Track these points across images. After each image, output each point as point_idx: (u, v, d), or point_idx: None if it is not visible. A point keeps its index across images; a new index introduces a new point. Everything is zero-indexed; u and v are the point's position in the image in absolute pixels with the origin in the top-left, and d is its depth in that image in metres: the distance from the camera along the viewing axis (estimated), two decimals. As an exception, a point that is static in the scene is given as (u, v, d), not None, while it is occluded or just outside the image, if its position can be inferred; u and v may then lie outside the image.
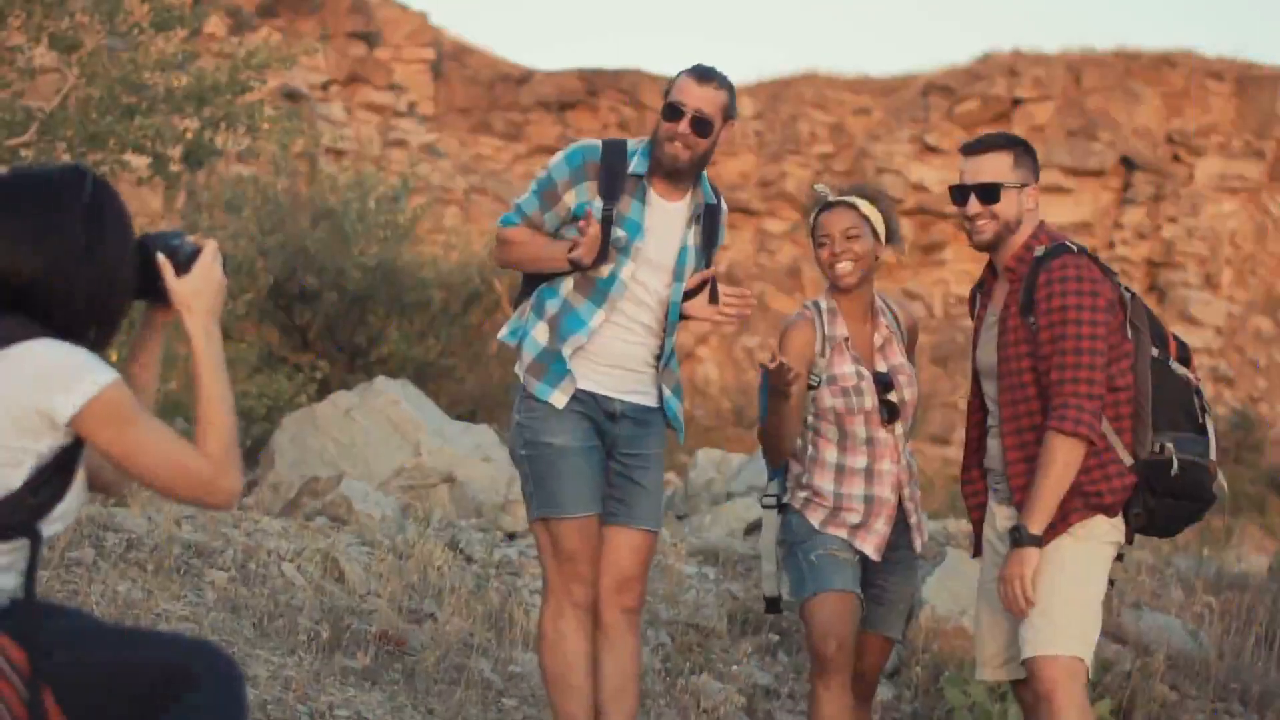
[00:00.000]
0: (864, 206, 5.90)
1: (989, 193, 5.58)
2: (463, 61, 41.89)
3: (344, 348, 17.56)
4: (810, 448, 5.94)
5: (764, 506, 6.11)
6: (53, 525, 3.45)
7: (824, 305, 5.94)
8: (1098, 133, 40.54)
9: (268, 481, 10.81)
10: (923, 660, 8.28)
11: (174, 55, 11.65)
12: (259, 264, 16.57)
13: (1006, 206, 5.58)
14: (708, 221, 5.88)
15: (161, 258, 3.58)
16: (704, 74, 5.75)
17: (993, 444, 5.69)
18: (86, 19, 11.54)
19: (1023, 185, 5.61)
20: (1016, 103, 41.17)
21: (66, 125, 11.03)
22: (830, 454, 5.92)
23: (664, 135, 5.71)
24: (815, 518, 5.90)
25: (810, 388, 5.90)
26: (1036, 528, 5.36)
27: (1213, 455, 5.52)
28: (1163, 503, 5.47)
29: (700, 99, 5.70)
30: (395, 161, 34.44)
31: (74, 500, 3.47)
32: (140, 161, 11.64)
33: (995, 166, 5.61)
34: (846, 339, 5.91)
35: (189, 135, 11.43)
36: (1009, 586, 5.38)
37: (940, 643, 8.53)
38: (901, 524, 5.99)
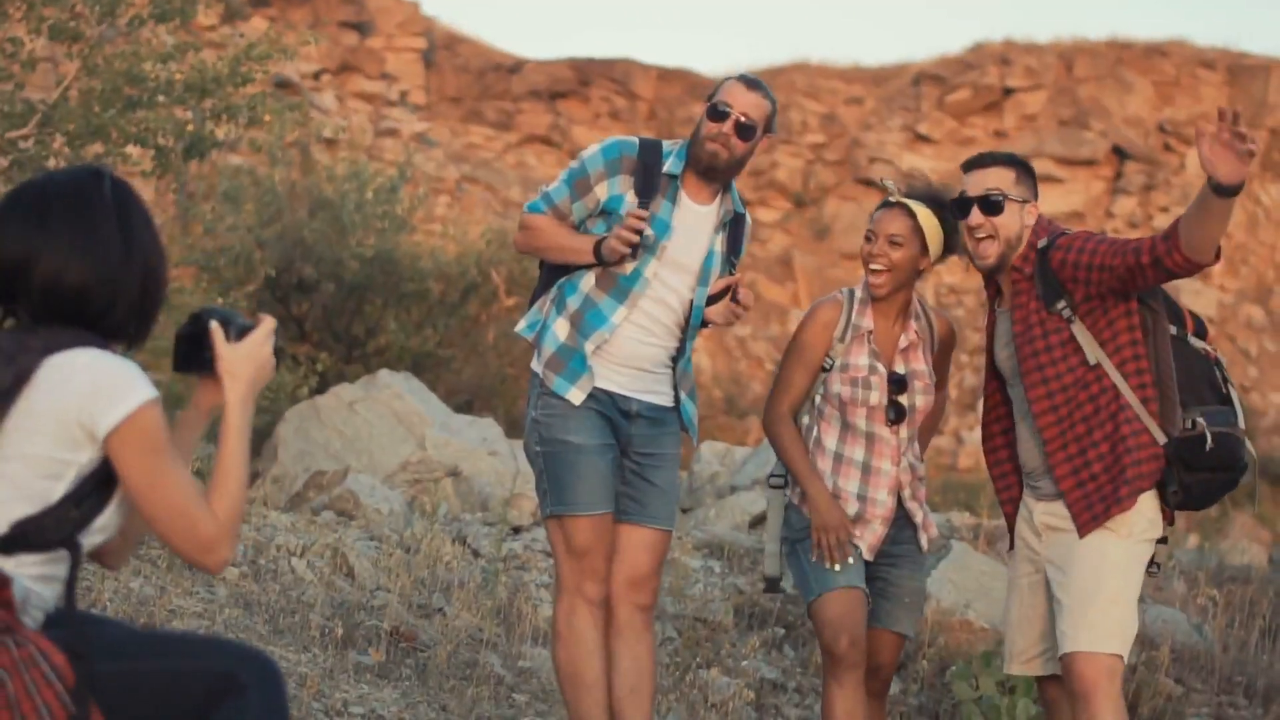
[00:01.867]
0: (922, 216, 5.86)
1: (992, 204, 5.59)
2: (454, 50, 41.85)
3: (341, 338, 17.55)
4: (815, 429, 5.97)
5: (771, 486, 6.12)
6: (93, 537, 3.45)
7: (858, 294, 5.95)
8: (1089, 122, 40.58)
9: (270, 474, 10.80)
10: (928, 653, 8.29)
11: (176, 46, 11.61)
12: (256, 255, 16.55)
13: (1009, 220, 5.59)
14: (733, 230, 5.89)
15: (215, 325, 3.60)
16: (752, 82, 5.78)
17: (1025, 445, 5.69)
18: (85, 10, 11.49)
19: (1024, 201, 5.62)
20: (1008, 92, 41.23)
21: (68, 118, 10.99)
22: (831, 440, 5.94)
23: (706, 135, 5.73)
24: None
25: (823, 369, 5.92)
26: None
27: (1241, 424, 5.54)
28: (1199, 477, 5.50)
29: (747, 104, 5.72)
30: (387, 150, 34.42)
31: (115, 513, 3.47)
32: (139, 153, 11.60)
33: (998, 180, 5.63)
34: (870, 332, 5.91)
35: (190, 128, 11.39)
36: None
37: (945, 636, 8.54)
38: (905, 520, 6.00)
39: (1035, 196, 5.67)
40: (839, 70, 43.51)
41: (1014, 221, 5.59)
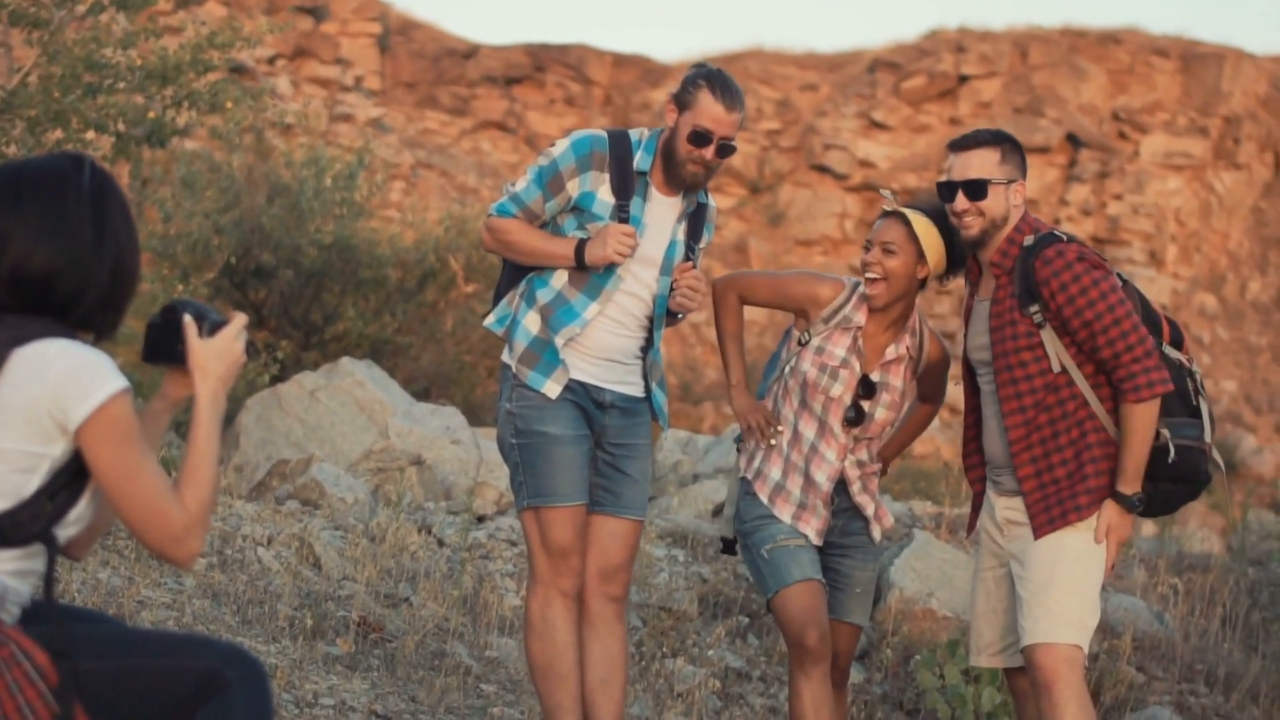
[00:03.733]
0: (919, 225, 5.85)
1: (976, 189, 5.60)
2: (409, 36, 41.73)
3: (299, 325, 17.46)
4: (778, 401, 6.01)
5: (738, 450, 6.15)
6: (67, 530, 3.44)
7: (860, 290, 5.95)
8: (1044, 109, 40.71)
9: (233, 463, 10.74)
10: (892, 642, 8.31)
11: (138, 32, 11.54)
12: (214, 242, 16.46)
13: (994, 203, 5.60)
14: (695, 217, 5.88)
15: (188, 318, 3.60)
16: (730, 101, 5.66)
17: (991, 437, 5.71)
18: (46, -4, 11.42)
19: (1010, 181, 5.63)
20: (963, 79, 41.32)
21: (28, 104, 10.91)
22: (789, 414, 5.98)
23: (687, 157, 5.67)
24: (764, 492, 5.96)
25: (799, 344, 5.94)
26: (1135, 490, 5.51)
27: (1208, 438, 5.57)
28: (1160, 487, 5.54)
29: (728, 127, 5.67)
30: (342, 136, 34.29)
31: (88, 505, 3.45)
32: (101, 140, 11.53)
33: (982, 163, 5.63)
34: (860, 329, 5.92)
35: (152, 115, 11.33)
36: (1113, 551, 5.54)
37: (909, 625, 8.55)
38: (855, 512, 6.03)
39: (1022, 174, 5.68)
40: (794, 57, 43.56)
41: (1000, 204, 5.61)
